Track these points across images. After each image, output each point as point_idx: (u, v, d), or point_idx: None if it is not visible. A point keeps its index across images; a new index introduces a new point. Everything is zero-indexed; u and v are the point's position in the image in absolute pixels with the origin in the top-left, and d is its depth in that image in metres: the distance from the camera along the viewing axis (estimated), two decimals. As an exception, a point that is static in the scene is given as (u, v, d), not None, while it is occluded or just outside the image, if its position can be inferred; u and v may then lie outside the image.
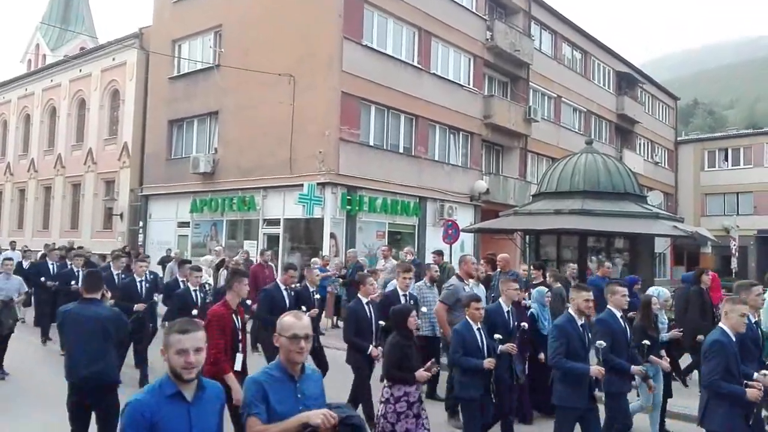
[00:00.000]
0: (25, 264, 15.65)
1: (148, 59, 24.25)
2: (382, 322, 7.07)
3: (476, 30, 23.20)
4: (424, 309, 8.21)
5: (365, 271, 9.61)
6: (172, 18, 23.10)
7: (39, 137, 30.49)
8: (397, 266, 7.96)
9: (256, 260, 14.22)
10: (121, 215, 24.70)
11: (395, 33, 20.18)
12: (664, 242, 17.93)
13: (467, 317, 5.97)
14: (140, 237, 23.71)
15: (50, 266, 13.14)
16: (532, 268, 10.38)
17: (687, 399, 7.59)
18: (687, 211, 38.43)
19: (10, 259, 10.25)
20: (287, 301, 7.65)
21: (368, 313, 7.08)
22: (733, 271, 29.24)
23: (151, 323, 9.58)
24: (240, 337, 5.50)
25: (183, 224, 22.47)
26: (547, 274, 9.97)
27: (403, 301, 7.34)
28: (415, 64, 20.65)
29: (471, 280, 8.49)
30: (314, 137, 17.89)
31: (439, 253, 11.95)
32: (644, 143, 38.18)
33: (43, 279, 12.83)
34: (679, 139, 43.87)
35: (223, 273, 12.44)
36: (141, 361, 8.93)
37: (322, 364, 7.66)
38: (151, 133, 23.95)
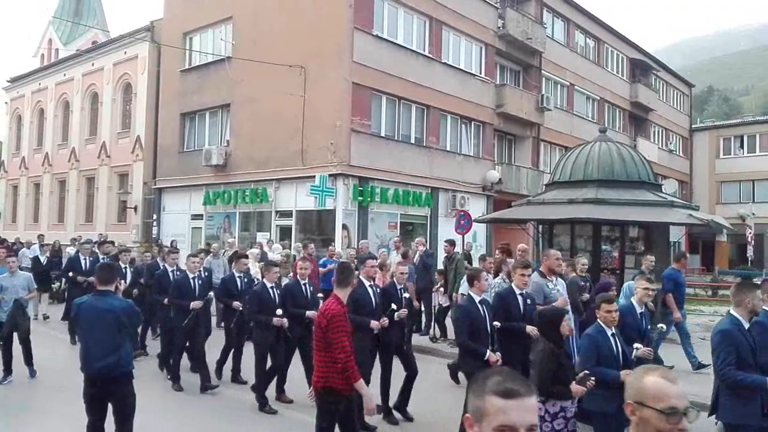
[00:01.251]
0: (42, 258, 15.60)
1: (159, 52, 24.32)
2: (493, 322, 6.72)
3: (488, 18, 23.02)
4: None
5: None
6: (183, 11, 23.13)
7: (53, 131, 30.75)
8: (516, 263, 7.12)
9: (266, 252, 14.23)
10: (135, 208, 24.88)
11: (406, 22, 20.07)
12: (679, 231, 17.78)
13: (599, 321, 5.23)
14: (154, 230, 23.87)
15: (82, 261, 12.45)
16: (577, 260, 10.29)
17: (695, 386, 7.46)
18: (702, 199, 38.03)
19: (13, 255, 9.60)
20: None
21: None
22: (749, 259, 28.97)
23: (205, 324, 8.96)
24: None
25: (196, 216, 22.60)
26: (564, 264, 9.86)
27: (520, 302, 6.65)
28: (426, 53, 20.54)
29: (554, 277, 7.69)
30: (326, 128, 17.88)
31: (450, 243, 11.92)
32: (658, 131, 37.80)
33: (71, 274, 12.30)
34: (693, 126, 43.40)
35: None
36: (200, 366, 8.32)
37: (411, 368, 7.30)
38: (163, 126, 24.06)
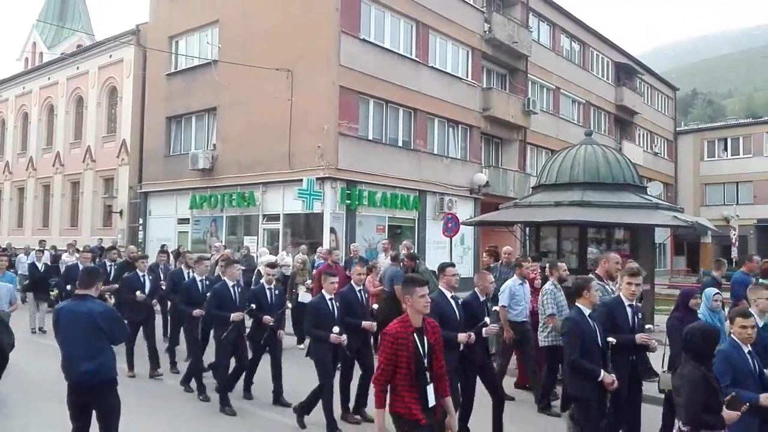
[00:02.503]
0: (40, 265, 14.44)
1: (145, 56, 24.18)
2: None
3: (474, 22, 23.13)
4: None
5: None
6: (169, 14, 23.03)
7: (37, 135, 30.46)
8: (623, 270, 6.16)
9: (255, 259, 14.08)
10: (121, 212, 24.70)
11: (393, 26, 20.12)
12: (665, 232, 17.92)
13: (733, 336, 4.68)
14: (140, 234, 23.70)
15: (108, 267, 11.56)
16: (530, 260, 10.27)
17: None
18: (687, 201, 38.44)
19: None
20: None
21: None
22: (734, 260, 29.25)
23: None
24: (427, 364, 4.22)
25: (183, 221, 22.47)
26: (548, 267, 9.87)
27: (629, 314, 5.74)
28: (413, 57, 20.60)
29: (611, 282, 7.12)
30: (313, 132, 17.85)
31: (411, 257, 11.15)
32: (643, 134, 38.14)
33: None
34: (678, 129, 43.85)
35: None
36: (227, 385, 7.63)
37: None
38: (149, 130, 23.91)
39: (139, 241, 23.09)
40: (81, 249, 15.33)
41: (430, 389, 4.16)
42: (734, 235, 29.44)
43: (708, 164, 40.63)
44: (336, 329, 6.60)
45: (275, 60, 18.33)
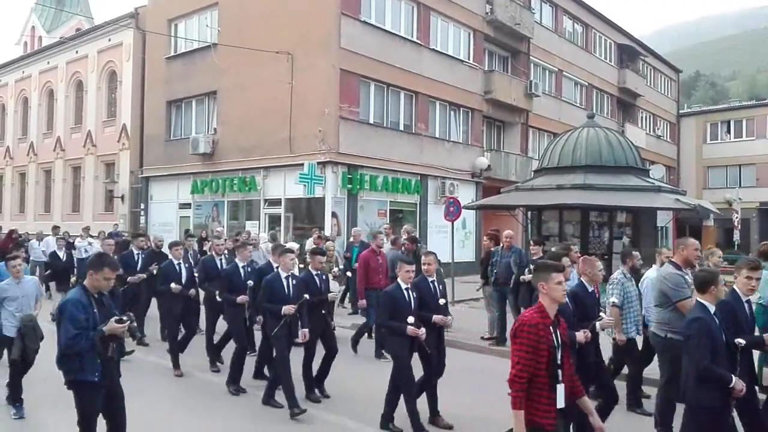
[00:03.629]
0: (61, 254, 13.36)
1: (144, 39, 24.03)
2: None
3: (476, 4, 22.90)
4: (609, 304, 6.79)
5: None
6: (168, -3, 22.83)
7: (38, 120, 30.37)
8: (741, 262, 5.27)
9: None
10: (122, 197, 24.69)
11: (394, 8, 19.93)
12: (667, 216, 17.86)
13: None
14: (142, 219, 23.71)
15: (136, 256, 10.52)
16: (532, 243, 10.24)
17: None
18: (689, 184, 38.28)
19: (15, 256, 7.13)
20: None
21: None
22: (736, 243, 29.23)
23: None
24: (561, 362, 3.80)
25: (184, 206, 22.46)
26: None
27: (747, 310, 5.09)
28: (415, 39, 20.43)
29: (689, 269, 6.45)
30: (314, 116, 17.77)
31: (411, 240, 10.99)
32: (646, 116, 37.94)
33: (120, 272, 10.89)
34: (681, 111, 43.60)
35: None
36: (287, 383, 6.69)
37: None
38: (149, 115, 23.83)
39: (141, 225, 23.09)
40: (95, 235, 14.96)
41: (561, 389, 3.75)
42: (737, 218, 29.34)
43: (711, 147, 40.45)
44: (411, 319, 6.05)
45: (275, 43, 18.19)
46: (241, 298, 7.68)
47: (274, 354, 6.96)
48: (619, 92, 33.74)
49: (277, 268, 7.20)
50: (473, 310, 13.53)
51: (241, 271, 7.91)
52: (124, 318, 4.49)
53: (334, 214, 17.81)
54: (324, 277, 7.57)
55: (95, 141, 26.54)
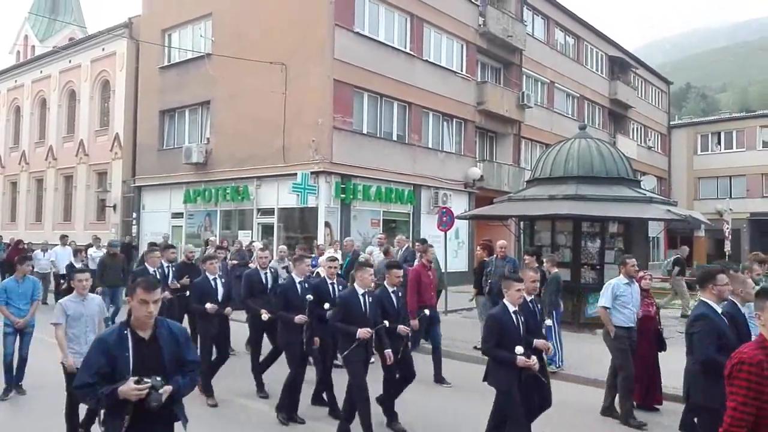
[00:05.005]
0: (78, 266, 12.05)
1: (138, 49, 24.05)
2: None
3: (468, 16, 23.09)
4: None
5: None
6: (162, 7, 22.88)
7: (30, 129, 30.26)
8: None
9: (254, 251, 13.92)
10: (114, 207, 24.60)
11: (387, 20, 20.05)
12: (658, 226, 18.01)
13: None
14: (134, 228, 23.62)
15: (165, 269, 9.76)
16: (525, 254, 10.27)
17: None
18: (680, 194, 38.56)
19: (83, 270, 6.68)
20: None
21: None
22: (727, 254, 29.37)
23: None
24: None
25: (177, 215, 22.40)
26: (544, 260, 9.91)
27: None
28: (408, 51, 20.55)
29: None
30: (307, 126, 17.81)
31: (422, 242, 11.31)
32: (637, 128, 38.22)
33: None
34: (672, 123, 43.97)
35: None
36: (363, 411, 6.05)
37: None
38: (142, 124, 23.80)
39: (133, 235, 23.00)
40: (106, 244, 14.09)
41: None
42: (727, 228, 29.47)
43: (701, 158, 40.77)
44: (520, 349, 5.19)
45: (269, 53, 18.25)
46: (299, 318, 6.76)
47: (350, 379, 6.14)
48: (611, 104, 34.01)
49: (353, 284, 6.58)
50: (466, 319, 13.57)
51: (298, 286, 7.07)
52: (147, 380, 3.31)
53: (327, 224, 17.81)
54: (400, 294, 6.91)
55: (88, 150, 26.47)
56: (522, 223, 15.18)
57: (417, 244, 10.86)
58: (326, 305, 6.51)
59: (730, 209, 31.24)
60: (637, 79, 38.35)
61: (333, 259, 7.29)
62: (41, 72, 29.69)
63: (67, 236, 17.50)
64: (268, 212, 19.42)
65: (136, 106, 24.09)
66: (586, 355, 9.97)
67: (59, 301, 6.10)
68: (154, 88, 23.04)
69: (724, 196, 36.61)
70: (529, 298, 5.78)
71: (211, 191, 20.73)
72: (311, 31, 18.02)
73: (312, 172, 17.48)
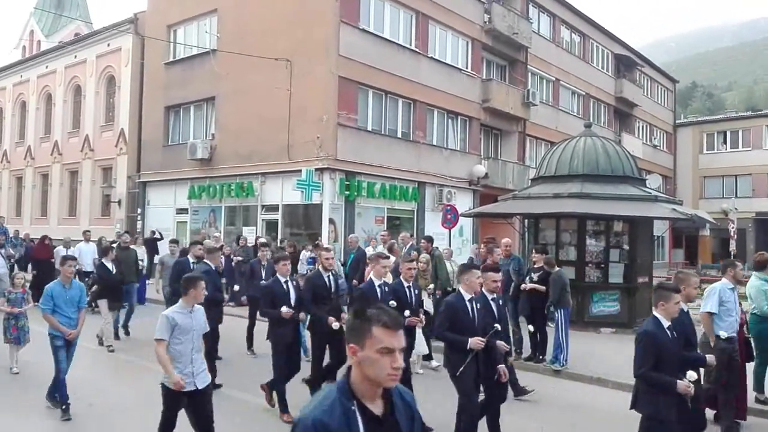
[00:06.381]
0: (110, 265, 11.15)
1: (143, 45, 24.06)
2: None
3: (474, 13, 23.02)
4: None
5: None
6: (168, 3, 22.89)
7: (35, 124, 30.34)
8: None
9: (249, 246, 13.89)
10: (119, 202, 24.65)
11: (392, 16, 20.01)
12: (663, 225, 17.92)
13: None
14: (138, 224, 23.67)
15: (191, 265, 9.25)
16: (533, 252, 10.22)
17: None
18: (686, 193, 38.44)
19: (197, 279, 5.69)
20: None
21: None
22: (732, 253, 29.28)
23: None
24: None
25: (181, 211, 22.43)
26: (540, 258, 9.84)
27: None
28: (413, 47, 20.50)
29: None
30: (312, 122, 17.80)
31: (428, 240, 11.48)
32: (643, 126, 38.10)
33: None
34: (677, 122, 43.80)
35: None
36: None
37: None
38: (147, 120, 23.83)
39: (138, 231, 23.03)
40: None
41: None
42: (733, 228, 29.41)
43: (707, 157, 40.62)
44: (693, 375, 4.77)
45: (274, 50, 18.23)
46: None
47: (459, 399, 5.45)
48: (616, 102, 33.89)
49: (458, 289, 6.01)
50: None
51: (378, 290, 6.56)
52: None
53: (331, 221, 17.81)
54: (493, 297, 6.03)
55: (93, 145, 26.52)
56: (526, 221, 15.15)
57: (423, 241, 10.86)
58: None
59: (736, 208, 31.18)
60: (643, 77, 38.21)
61: (411, 260, 6.73)
62: (47, 67, 29.75)
63: (89, 231, 16.87)
64: (273, 209, 19.42)
65: (141, 101, 24.12)
66: (589, 354, 9.96)
67: (164, 312, 5.18)
68: (159, 83, 23.06)
69: (730, 195, 36.51)
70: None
71: (216, 187, 20.75)
72: (316, 27, 18.00)
73: (316, 169, 17.47)
